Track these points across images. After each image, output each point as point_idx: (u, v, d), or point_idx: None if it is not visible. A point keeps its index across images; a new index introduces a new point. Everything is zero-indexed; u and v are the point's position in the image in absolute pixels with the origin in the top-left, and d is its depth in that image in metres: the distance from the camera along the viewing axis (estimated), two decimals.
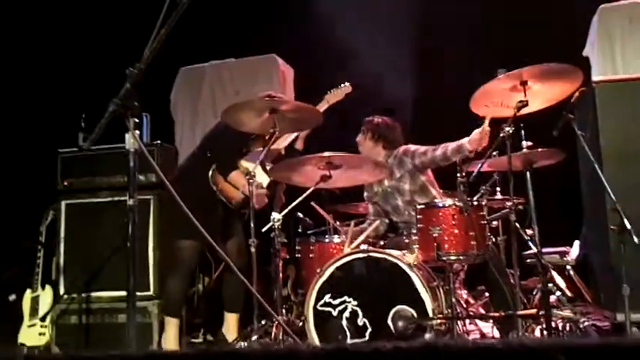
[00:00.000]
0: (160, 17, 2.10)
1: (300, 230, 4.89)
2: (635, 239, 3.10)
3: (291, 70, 6.10)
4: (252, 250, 3.84)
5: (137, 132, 1.97)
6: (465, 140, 3.90)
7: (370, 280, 3.48)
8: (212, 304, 4.83)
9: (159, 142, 4.81)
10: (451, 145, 3.99)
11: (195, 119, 6.03)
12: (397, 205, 4.27)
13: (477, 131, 3.81)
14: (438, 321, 3.33)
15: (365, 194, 4.51)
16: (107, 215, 4.63)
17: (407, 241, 3.80)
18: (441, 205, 3.61)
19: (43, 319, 4.16)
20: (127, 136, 1.99)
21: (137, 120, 2.01)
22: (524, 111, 3.33)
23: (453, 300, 3.49)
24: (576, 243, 4.59)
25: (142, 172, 4.41)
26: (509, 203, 3.59)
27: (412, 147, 4.25)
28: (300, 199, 3.78)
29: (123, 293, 4.44)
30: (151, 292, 4.52)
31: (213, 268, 5.39)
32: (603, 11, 4.59)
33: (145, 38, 2.13)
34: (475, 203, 3.59)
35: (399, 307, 3.36)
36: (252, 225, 3.77)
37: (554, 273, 4.44)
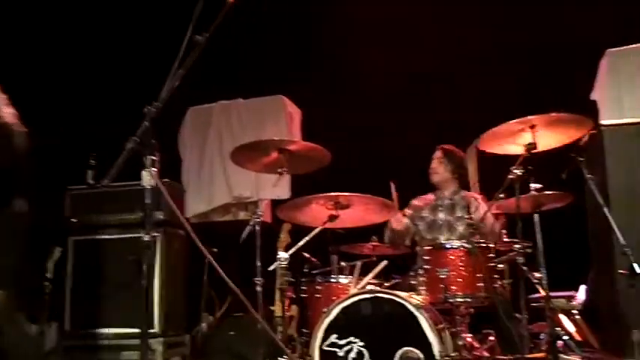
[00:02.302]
0: (178, 57, 2.15)
1: (306, 270, 4.87)
2: None
3: (298, 111, 6.17)
4: (258, 289, 3.86)
5: (154, 169, 2.00)
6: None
7: (377, 321, 3.44)
8: (215, 343, 4.79)
9: (167, 180, 4.84)
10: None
11: (202, 158, 6.07)
12: (438, 239, 4.27)
13: None
14: None
15: (409, 212, 4.51)
16: (114, 252, 4.65)
17: (413, 282, 3.79)
18: (448, 246, 3.61)
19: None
20: (144, 173, 2.02)
21: (154, 158, 2.04)
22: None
23: (460, 343, 3.47)
24: (582, 287, 4.56)
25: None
26: (517, 246, 3.59)
27: (479, 198, 4.31)
28: (306, 238, 3.77)
29: (128, 330, 4.45)
30: (155, 330, 4.52)
31: (217, 307, 5.37)
32: (611, 55, 4.62)
33: (152, 78, 2.18)
34: (483, 245, 3.60)
35: (405, 348, 3.32)
36: (258, 263, 3.80)
37: (562, 317, 4.40)
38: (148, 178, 2.03)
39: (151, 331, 4.47)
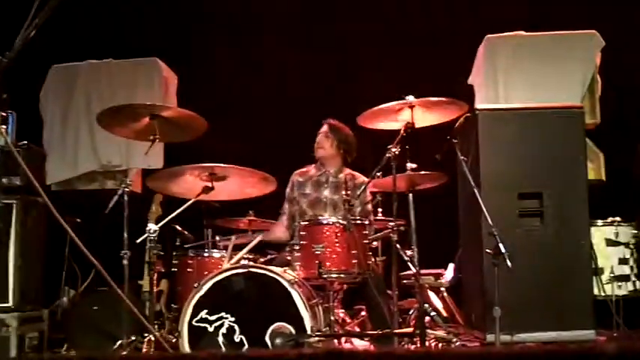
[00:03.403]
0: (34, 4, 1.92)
1: (178, 243, 4.70)
2: (509, 263, 3.22)
3: (174, 76, 5.89)
4: (125, 262, 3.68)
5: (3, 127, 1.76)
6: None
7: (249, 297, 3.41)
8: (77, 319, 4.52)
9: (25, 142, 4.45)
10: None
11: (67, 121, 5.62)
12: (321, 216, 4.18)
13: None
14: (316, 338, 3.30)
15: (289, 191, 4.41)
16: None
17: (289, 257, 3.75)
18: (325, 222, 3.62)
19: None
20: None
21: (4, 114, 1.80)
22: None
23: (332, 318, 3.50)
24: (451, 265, 4.75)
25: (5, 174, 4.07)
26: (391, 224, 3.66)
27: (362, 179, 4.25)
28: (178, 210, 3.64)
29: None
30: (10, 304, 4.23)
31: (80, 281, 5.07)
32: (489, 41, 4.74)
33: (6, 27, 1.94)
34: (359, 222, 3.62)
35: (277, 324, 3.31)
36: (125, 235, 3.62)
37: (431, 294, 4.57)
38: None
39: (4, 305, 4.19)
